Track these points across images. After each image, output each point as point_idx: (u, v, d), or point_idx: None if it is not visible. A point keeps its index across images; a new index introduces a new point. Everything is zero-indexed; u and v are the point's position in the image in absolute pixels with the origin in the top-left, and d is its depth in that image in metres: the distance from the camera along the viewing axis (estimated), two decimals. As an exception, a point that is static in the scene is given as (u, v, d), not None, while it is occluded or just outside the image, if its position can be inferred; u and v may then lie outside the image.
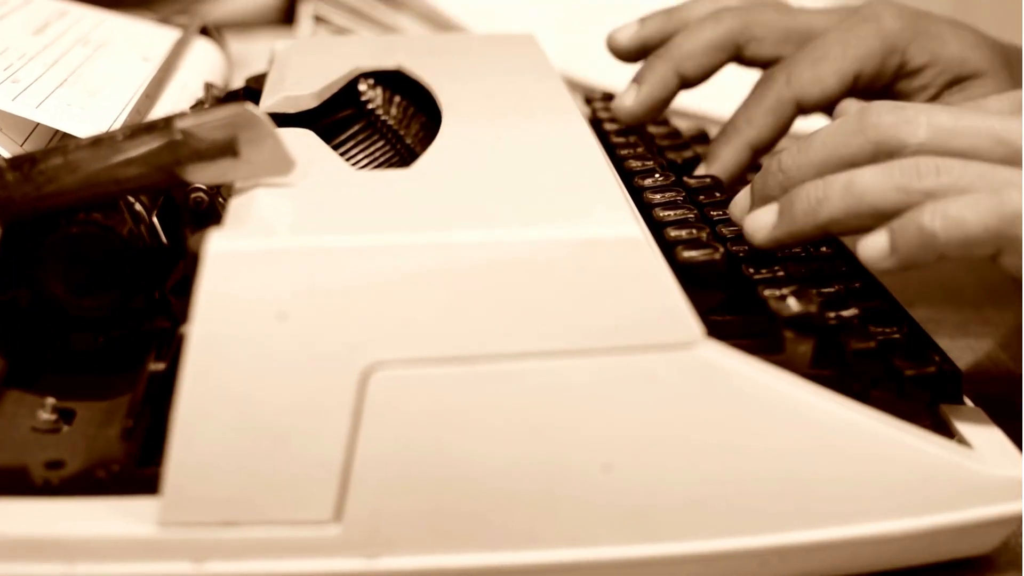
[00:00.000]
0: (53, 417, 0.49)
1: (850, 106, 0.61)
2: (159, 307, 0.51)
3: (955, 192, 0.48)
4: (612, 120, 0.70)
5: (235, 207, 0.47)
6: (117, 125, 0.57)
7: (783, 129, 0.64)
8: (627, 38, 0.68)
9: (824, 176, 0.51)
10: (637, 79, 0.66)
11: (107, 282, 0.50)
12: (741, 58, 0.66)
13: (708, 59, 0.65)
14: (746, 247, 0.55)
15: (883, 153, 0.50)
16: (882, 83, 0.64)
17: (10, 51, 0.61)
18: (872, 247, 0.48)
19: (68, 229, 0.49)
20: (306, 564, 0.44)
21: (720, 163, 0.63)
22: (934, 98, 0.65)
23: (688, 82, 0.66)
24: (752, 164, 0.64)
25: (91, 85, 0.61)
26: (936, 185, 0.48)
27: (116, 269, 0.49)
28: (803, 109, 0.63)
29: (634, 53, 0.68)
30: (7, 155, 0.52)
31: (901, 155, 0.50)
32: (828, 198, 0.50)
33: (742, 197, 0.55)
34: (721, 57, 0.66)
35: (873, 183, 0.49)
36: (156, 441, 0.45)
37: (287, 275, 0.43)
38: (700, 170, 0.64)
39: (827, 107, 0.63)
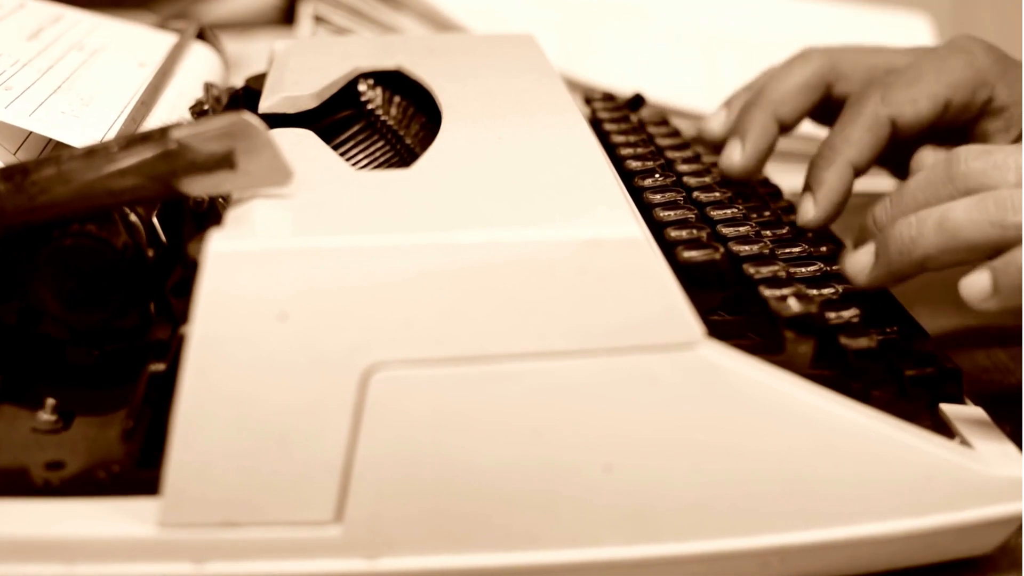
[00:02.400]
0: (53, 418, 0.49)
1: (926, 157, 0.61)
2: (155, 319, 0.51)
3: None
4: (612, 121, 0.70)
5: (235, 207, 0.47)
6: (112, 133, 0.56)
7: (880, 149, 0.62)
8: (720, 125, 0.67)
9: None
10: (738, 133, 0.65)
11: (101, 295, 0.49)
12: (830, 97, 0.66)
13: (802, 100, 0.65)
14: (747, 247, 0.55)
15: None
16: (969, 115, 0.64)
17: (3, 57, 0.60)
18: (974, 287, 0.48)
19: (62, 241, 0.48)
20: (306, 565, 0.44)
21: (827, 187, 0.61)
22: (1015, 139, 0.64)
23: (786, 126, 0.65)
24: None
25: (85, 92, 0.60)
26: None
27: (110, 282, 0.48)
28: (896, 131, 0.62)
29: (754, 169, 0.67)
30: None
31: None
32: (922, 235, 0.50)
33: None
34: (814, 96, 0.65)
35: (967, 218, 0.49)
36: (156, 442, 0.45)
37: (287, 275, 0.43)
38: (806, 200, 0.61)
39: (917, 134, 0.62)
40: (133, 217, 0.49)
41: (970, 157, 0.51)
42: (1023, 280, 0.47)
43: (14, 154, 0.55)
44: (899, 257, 0.51)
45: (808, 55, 0.66)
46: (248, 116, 0.46)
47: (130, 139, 0.47)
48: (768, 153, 0.65)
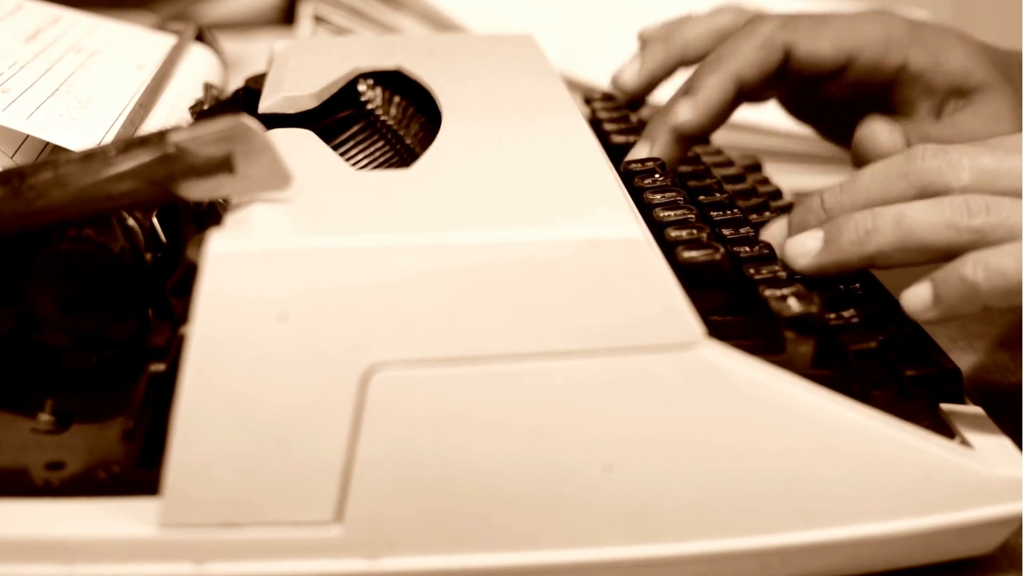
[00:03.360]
0: (53, 418, 0.49)
1: (877, 128, 0.61)
2: (153, 323, 0.50)
3: (1005, 230, 0.48)
4: (612, 121, 0.70)
5: (235, 207, 0.47)
6: (110, 136, 0.56)
7: (767, 72, 0.62)
8: (631, 77, 0.68)
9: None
10: (688, 89, 0.62)
11: (99, 301, 0.48)
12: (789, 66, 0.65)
13: (711, 43, 0.66)
14: (747, 247, 0.55)
15: (927, 196, 0.50)
16: (883, 78, 0.64)
17: (1, 59, 0.60)
18: (915, 299, 0.48)
19: (59, 245, 0.47)
20: (307, 565, 0.44)
21: (707, 91, 0.60)
22: (938, 107, 0.65)
23: (688, 64, 0.66)
24: (735, 104, 0.61)
25: (83, 95, 0.59)
26: (985, 223, 0.48)
27: (108, 287, 0.48)
28: (790, 61, 0.62)
29: (644, 91, 0.68)
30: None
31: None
32: (878, 230, 0.50)
33: (778, 227, 0.55)
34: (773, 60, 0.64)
35: (924, 218, 0.49)
36: (156, 442, 0.45)
37: (287, 276, 0.43)
38: (683, 102, 0.60)
39: (816, 75, 0.63)
40: (131, 221, 0.49)
41: (927, 154, 0.51)
42: (962, 291, 0.47)
43: (11, 157, 0.54)
44: (850, 247, 0.51)
45: (726, 8, 0.67)
46: (247, 119, 0.46)
47: (128, 143, 0.47)
48: (659, 81, 0.67)
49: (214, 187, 0.46)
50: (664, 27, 0.69)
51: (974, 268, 0.47)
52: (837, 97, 0.65)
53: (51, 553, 0.44)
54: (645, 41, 0.69)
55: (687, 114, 0.60)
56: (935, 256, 0.49)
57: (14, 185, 0.47)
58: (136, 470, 0.46)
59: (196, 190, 0.46)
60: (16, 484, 0.46)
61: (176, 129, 0.46)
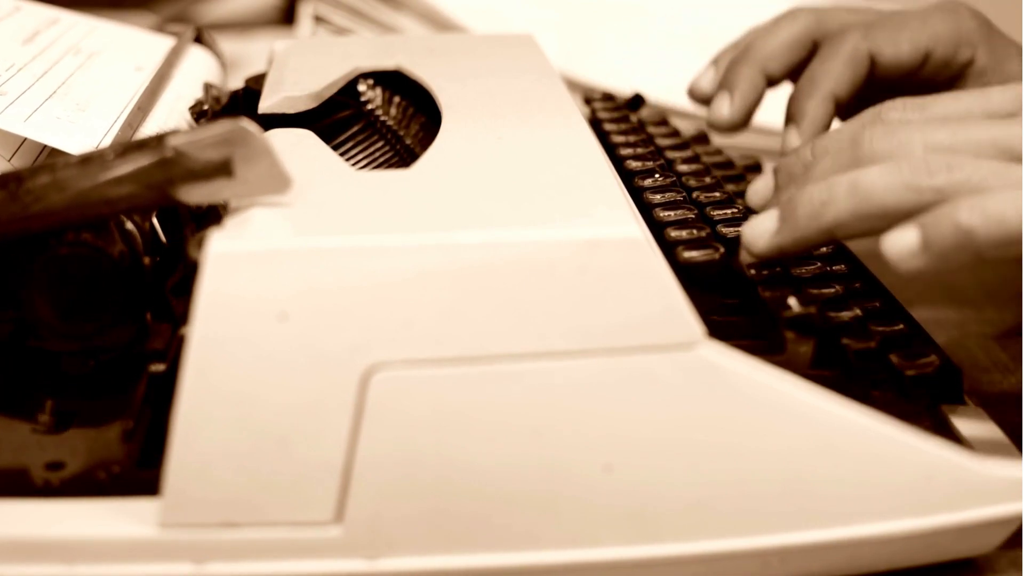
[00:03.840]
0: (53, 419, 0.49)
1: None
2: (152, 328, 0.50)
3: (968, 190, 0.46)
4: (612, 121, 0.70)
5: (235, 207, 0.47)
6: (108, 139, 0.56)
7: (859, 83, 0.63)
8: (709, 83, 0.68)
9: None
10: (725, 86, 0.65)
11: (97, 305, 0.48)
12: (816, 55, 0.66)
13: (790, 55, 0.66)
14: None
15: None
16: (950, 72, 0.64)
17: None
18: (899, 243, 0.46)
19: (57, 249, 0.47)
20: (307, 565, 0.44)
21: (809, 118, 0.62)
22: None
23: (773, 81, 0.66)
24: (831, 122, 0.63)
25: (82, 97, 0.59)
26: (948, 182, 0.46)
27: (106, 291, 0.47)
28: (876, 69, 0.63)
29: (742, 122, 0.67)
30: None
31: None
32: (833, 200, 0.48)
33: (762, 183, 0.55)
34: (801, 53, 0.66)
35: (881, 182, 0.47)
36: (156, 442, 0.45)
37: (288, 276, 0.43)
38: (789, 131, 0.62)
39: (896, 78, 0.63)
40: (129, 225, 0.49)
41: (876, 137, 0.49)
42: (956, 238, 0.45)
43: (9, 160, 0.54)
44: (807, 222, 0.49)
45: (795, 13, 0.66)
46: (246, 123, 0.46)
47: (126, 146, 0.47)
48: (756, 107, 0.66)
49: (213, 191, 0.46)
50: (738, 45, 0.68)
51: (970, 213, 0.45)
52: (901, 93, 0.64)
53: (51, 553, 0.44)
54: (720, 63, 0.68)
55: (795, 143, 0.62)
56: (897, 221, 0.47)
57: (11, 189, 0.46)
58: (136, 470, 0.46)
59: (195, 194, 0.46)
60: (16, 484, 0.46)
61: (174, 133, 0.46)
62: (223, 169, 0.46)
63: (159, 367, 0.46)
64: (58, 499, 0.46)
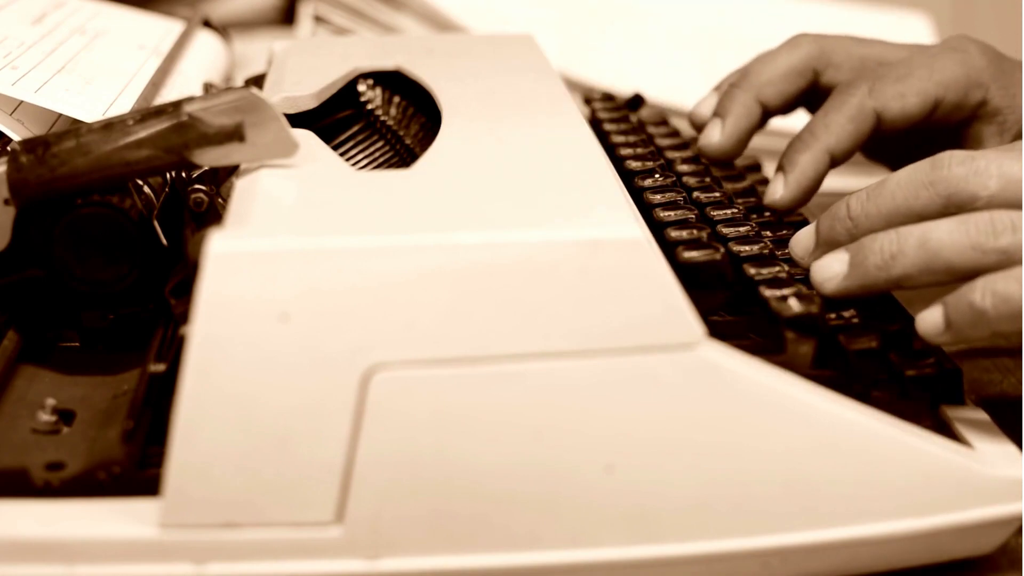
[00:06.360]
0: (53, 419, 0.49)
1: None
2: (167, 275, 0.52)
3: None
4: (612, 121, 0.70)
5: (236, 207, 0.47)
6: (114, 109, 0.58)
7: (861, 140, 0.62)
8: (710, 109, 0.66)
9: (894, 227, 0.50)
10: (719, 112, 0.64)
11: (118, 260, 0.52)
12: (818, 85, 0.65)
13: (787, 85, 0.65)
14: (747, 247, 0.55)
15: (953, 205, 0.50)
16: (961, 116, 0.63)
17: (9, 40, 0.63)
18: (928, 322, 0.48)
19: (81, 210, 0.51)
20: (307, 566, 0.44)
21: (800, 170, 0.61)
22: (1008, 143, 0.63)
23: (769, 111, 0.65)
24: (825, 175, 0.62)
25: (88, 73, 0.62)
26: (1011, 243, 0.48)
27: (126, 247, 0.52)
28: (881, 124, 0.62)
29: (734, 151, 0.66)
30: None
31: (972, 207, 0.49)
32: (903, 253, 0.49)
33: (805, 236, 0.54)
34: (800, 82, 0.65)
35: (949, 240, 0.48)
36: (157, 442, 0.45)
37: (288, 276, 0.43)
38: (777, 180, 0.61)
39: (903, 129, 0.62)
40: (147, 189, 0.53)
41: (953, 162, 0.50)
42: (971, 317, 0.47)
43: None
44: (876, 272, 0.50)
45: (798, 41, 0.66)
46: (255, 90, 0.49)
47: (145, 113, 0.50)
48: (749, 135, 0.65)
49: (225, 154, 0.50)
50: (741, 71, 0.67)
51: (982, 295, 0.47)
52: (913, 136, 0.64)
53: (51, 553, 0.44)
54: (722, 89, 0.67)
55: (778, 194, 0.61)
56: (961, 276, 0.49)
57: (39, 153, 0.50)
58: (136, 470, 0.46)
59: (208, 157, 0.50)
60: (16, 484, 0.46)
61: (190, 99, 0.50)
62: (235, 134, 0.50)
63: (159, 367, 0.46)
64: (58, 499, 0.46)
